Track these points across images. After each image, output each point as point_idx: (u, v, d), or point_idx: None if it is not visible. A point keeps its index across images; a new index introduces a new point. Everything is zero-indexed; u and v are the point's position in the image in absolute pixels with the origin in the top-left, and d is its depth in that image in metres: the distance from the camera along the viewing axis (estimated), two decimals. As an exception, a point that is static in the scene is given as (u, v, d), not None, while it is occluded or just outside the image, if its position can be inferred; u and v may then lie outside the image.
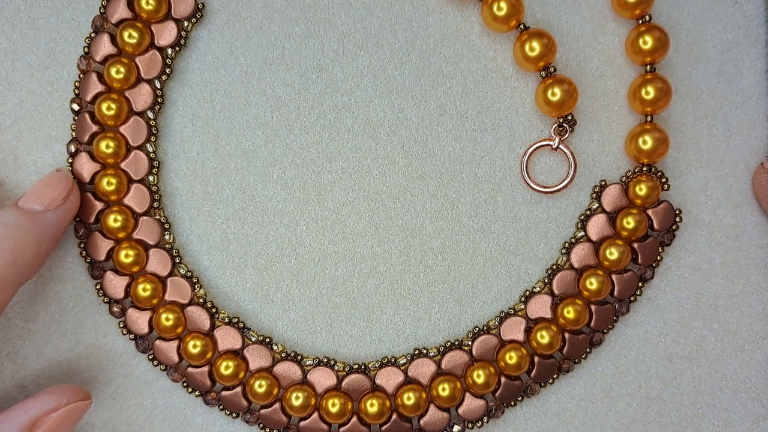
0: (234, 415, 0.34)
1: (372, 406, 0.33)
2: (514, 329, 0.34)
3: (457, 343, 0.34)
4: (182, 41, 0.34)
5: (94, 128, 0.34)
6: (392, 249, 0.35)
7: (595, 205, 0.34)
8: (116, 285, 0.34)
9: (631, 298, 0.34)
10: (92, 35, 0.34)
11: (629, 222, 0.33)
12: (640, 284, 0.34)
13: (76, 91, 0.34)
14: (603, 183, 0.34)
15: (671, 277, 0.35)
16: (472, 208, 0.35)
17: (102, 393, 0.34)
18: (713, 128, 0.35)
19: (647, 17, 0.33)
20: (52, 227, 0.32)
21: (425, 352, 0.34)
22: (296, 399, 0.33)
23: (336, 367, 0.34)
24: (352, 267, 0.35)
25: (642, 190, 0.33)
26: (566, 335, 0.34)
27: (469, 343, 0.34)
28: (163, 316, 0.33)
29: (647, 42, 0.33)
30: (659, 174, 0.34)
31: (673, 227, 0.34)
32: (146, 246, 0.34)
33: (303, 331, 0.35)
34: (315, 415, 0.34)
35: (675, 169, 0.35)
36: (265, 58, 0.35)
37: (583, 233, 0.34)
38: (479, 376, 0.33)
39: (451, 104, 0.35)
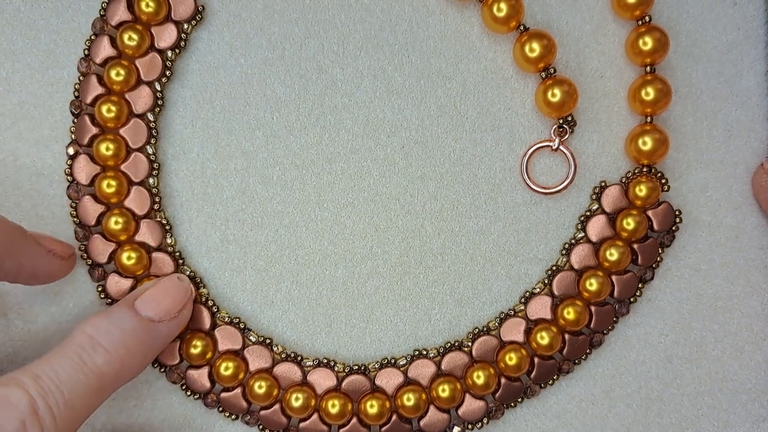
0: (234, 416, 0.34)
1: (372, 407, 0.33)
2: (514, 330, 0.34)
3: (457, 344, 0.34)
4: (182, 43, 0.34)
5: (94, 130, 0.34)
6: (392, 250, 0.35)
7: (595, 206, 0.34)
8: (121, 286, 0.34)
9: (631, 299, 0.34)
10: (92, 37, 0.34)
11: (629, 223, 0.33)
12: (640, 285, 0.34)
13: (76, 93, 0.34)
14: (603, 184, 0.34)
15: (671, 278, 0.35)
16: (472, 209, 0.35)
17: (102, 394, 0.34)
18: (713, 129, 0.35)
19: (647, 18, 0.33)
20: (160, 341, 0.31)
21: (425, 353, 0.34)
22: (296, 400, 0.33)
23: (336, 368, 0.34)
24: (352, 268, 0.35)
25: (642, 191, 0.33)
26: (566, 336, 0.34)
27: (469, 344, 0.34)
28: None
29: (647, 43, 0.33)
30: (659, 175, 0.34)
31: (673, 228, 0.34)
32: (148, 248, 0.34)
33: (303, 332, 0.35)
34: (315, 416, 0.34)
35: (675, 170, 0.35)
36: (265, 59, 0.35)
37: (583, 234, 0.34)
38: (479, 377, 0.33)
39: (451, 105, 0.35)
